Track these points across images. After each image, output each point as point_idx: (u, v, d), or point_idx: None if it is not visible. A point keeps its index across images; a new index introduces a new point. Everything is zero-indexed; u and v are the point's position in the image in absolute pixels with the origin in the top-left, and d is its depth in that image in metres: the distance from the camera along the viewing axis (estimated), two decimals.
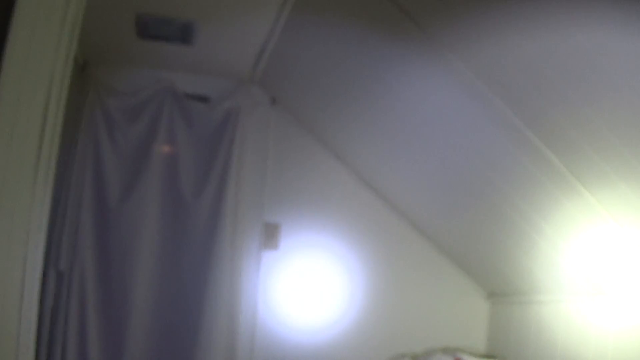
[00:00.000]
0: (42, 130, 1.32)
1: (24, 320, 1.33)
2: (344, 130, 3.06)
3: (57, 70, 1.35)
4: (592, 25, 1.57)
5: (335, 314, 3.18)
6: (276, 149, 3.19)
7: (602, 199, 2.10)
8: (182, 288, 2.94)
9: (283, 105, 3.21)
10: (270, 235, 3.16)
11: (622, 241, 2.15)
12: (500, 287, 3.17)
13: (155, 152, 2.98)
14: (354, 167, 3.27)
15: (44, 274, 2.63)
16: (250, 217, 3.07)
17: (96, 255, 2.85)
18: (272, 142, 3.18)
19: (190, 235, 2.97)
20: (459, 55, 2.03)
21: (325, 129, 3.19)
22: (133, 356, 2.82)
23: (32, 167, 1.31)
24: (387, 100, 2.58)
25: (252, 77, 3.08)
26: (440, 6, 1.90)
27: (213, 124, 3.06)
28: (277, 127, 3.20)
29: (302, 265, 3.17)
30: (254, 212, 3.09)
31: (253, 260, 3.06)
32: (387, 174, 3.15)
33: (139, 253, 2.88)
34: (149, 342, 2.87)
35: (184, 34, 2.62)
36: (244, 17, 2.45)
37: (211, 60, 2.93)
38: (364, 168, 3.24)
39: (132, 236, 2.89)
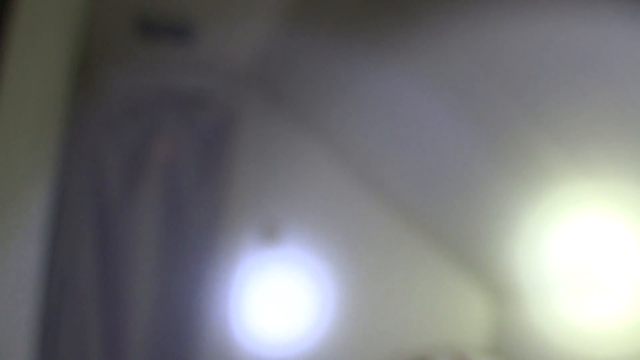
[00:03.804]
0: (42, 130, 1.32)
1: (24, 320, 1.33)
2: (345, 130, 3.06)
3: (57, 70, 1.35)
4: (590, 16, 1.56)
5: (335, 314, 3.18)
6: (276, 148, 3.19)
7: (604, 196, 2.10)
8: (181, 288, 2.94)
9: (284, 105, 3.21)
10: (270, 234, 3.16)
11: (624, 238, 2.15)
12: (502, 285, 3.17)
13: (155, 152, 2.98)
14: (354, 166, 3.27)
15: (44, 275, 2.63)
16: (250, 216, 3.07)
17: (96, 255, 2.85)
18: (272, 141, 3.17)
19: (190, 235, 2.97)
20: (456, 46, 2.02)
21: (326, 129, 3.19)
22: (133, 357, 2.82)
23: (32, 167, 1.31)
24: (388, 98, 2.58)
25: (253, 77, 3.08)
26: None
27: (213, 124, 3.06)
28: (278, 127, 3.20)
29: (302, 264, 3.17)
30: (254, 212, 3.08)
31: (252, 260, 3.06)
32: (388, 174, 3.15)
33: (138, 253, 2.88)
34: (149, 342, 2.87)
35: (184, 34, 2.62)
36: (245, 17, 2.45)
37: (211, 60, 2.93)
38: (365, 167, 3.24)
39: (132, 236, 2.89)
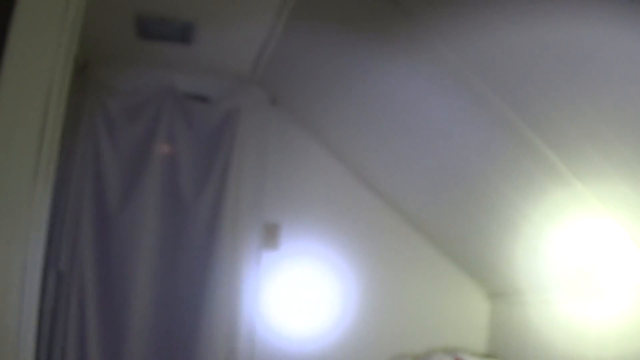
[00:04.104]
0: (42, 130, 1.32)
1: (24, 320, 1.33)
2: (344, 130, 3.07)
3: (57, 70, 1.35)
4: (587, 17, 1.56)
5: (335, 314, 3.18)
6: (276, 149, 3.19)
7: (601, 198, 2.10)
8: (182, 288, 2.94)
9: (283, 105, 3.21)
10: (270, 235, 3.16)
11: (622, 240, 2.15)
12: (500, 287, 3.17)
13: (155, 152, 2.98)
14: (353, 166, 3.27)
15: (44, 274, 2.63)
16: (250, 217, 3.07)
17: (96, 255, 2.85)
18: (272, 142, 3.18)
19: (190, 235, 2.97)
20: (451, 46, 2.03)
21: (325, 129, 3.20)
22: (133, 357, 2.82)
23: (32, 167, 1.31)
24: (385, 98, 2.58)
25: (252, 77, 3.08)
26: None
27: (213, 124, 3.06)
28: (277, 127, 3.20)
29: (302, 265, 3.17)
30: (254, 212, 3.08)
31: (253, 261, 3.06)
32: (387, 173, 3.15)
33: (138, 253, 2.88)
34: (149, 342, 2.86)
35: (184, 34, 2.62)
36: (244, 17, 2.45)
37: (211, 60, 2.93)
38: (364, 167, 3.24)
39: (132, 236, 2.89)
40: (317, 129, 3.23)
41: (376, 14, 2.10)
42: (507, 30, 1.78)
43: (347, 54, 2.45)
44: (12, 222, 1.28)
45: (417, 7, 1.97)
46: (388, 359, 3.16)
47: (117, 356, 2.80)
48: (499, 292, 3.23)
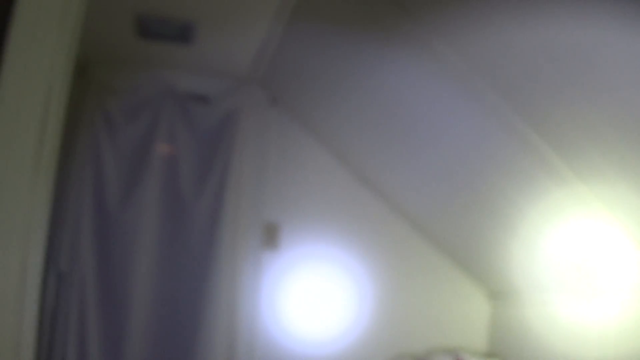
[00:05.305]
0: (43, 131, 1.32)
1: (24, 320, 1.33)
2: (344, 130, 3.07)
3: (58, 70, 1.35)
4: (590, 20, 1.57)
5: (335, 314, 3.18)
6: (276, 149, 3.19)
7: (602, 197, 2.10)
8: (182, 288, 2.94)
9: (283, 105, 3.21)
10: (270, 235, 3.16)
11: (622, 240, 2.15)
12: (500, 287, 3.17)
13: (155, 152, 2.98)
14: (354, 166, 3.28)
15: (45, 275, 2.63)
16: (250, 217, 3.07)
17: (96, 255, 2.85)
18: (272, 142, 3.18)
19: (190, 235, 2.97)
20: (453, 47, 2.03)
21: (325, 129, 3.20)
22: (133, 357, 2.82)
23: (32, 167, 1.31)
24: (386, 98, 2.58)
25: (252, 77, 3.08)
26: None
27: (213, 124, 3.07)
28: (277, 127, 3.21)
29: (303, 265, 3.18)
30: (254, 212, 3.08)
31: (253, 261, 3.06)
32: (387, 173, 3.15)
33: (139, 253, 2.88)
34: (149, 342, 2.87)
35: (183, 34, 2.62)
36: (244, 17, 2.45)
37: (211, 60, 2.93)
38: (364, 167, 3.24)
39: (132, 236, 2.89)
40: (317, 129, 3.23)
41: (377, 14, 2.10)
42: (510, 31, 1.79)
43: (348, 54, 2.45)
44: (12, 222, 1.28)
45: (418, 8, 1.97)
46: (388, 359, 3.16)
47: (118, 356, 2.80)
48: (499, 292, 3.23)
